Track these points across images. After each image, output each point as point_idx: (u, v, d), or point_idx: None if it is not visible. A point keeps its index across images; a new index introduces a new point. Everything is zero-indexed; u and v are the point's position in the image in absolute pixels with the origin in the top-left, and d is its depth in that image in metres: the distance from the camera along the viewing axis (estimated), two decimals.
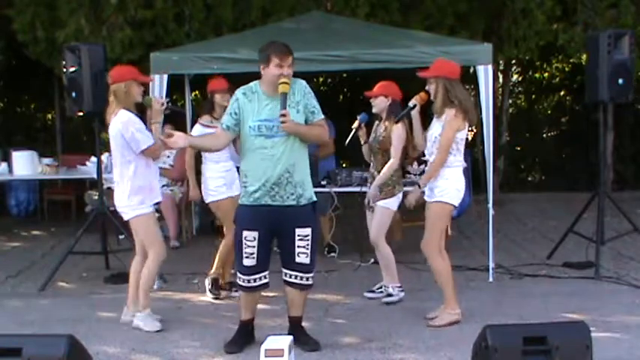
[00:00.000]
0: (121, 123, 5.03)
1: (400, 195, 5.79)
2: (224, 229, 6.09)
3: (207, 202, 6.08)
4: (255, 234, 4.55)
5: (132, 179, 5.07)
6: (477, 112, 5.21)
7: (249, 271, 4.63)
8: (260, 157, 4.51)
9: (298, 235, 4.57)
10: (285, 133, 4.49)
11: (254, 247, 4.57)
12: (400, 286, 5.85)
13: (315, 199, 4.70)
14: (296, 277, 4.66)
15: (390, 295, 5.83)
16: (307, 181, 4.64)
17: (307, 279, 4.69)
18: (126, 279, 5.51)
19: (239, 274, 4.70)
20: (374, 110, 5.84)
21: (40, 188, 10.42)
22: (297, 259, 4.61)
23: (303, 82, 4.67)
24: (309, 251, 4.62)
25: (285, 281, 4.72)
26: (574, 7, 10.00)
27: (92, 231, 6.92)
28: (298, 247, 4.59)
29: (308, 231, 4.60)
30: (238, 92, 4.66)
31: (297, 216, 4.57)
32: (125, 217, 5.20)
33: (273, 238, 4.67)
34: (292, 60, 4.55)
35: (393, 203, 5.79)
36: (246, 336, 4.82)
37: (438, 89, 5.06)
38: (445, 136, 5.03)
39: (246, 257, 4.59)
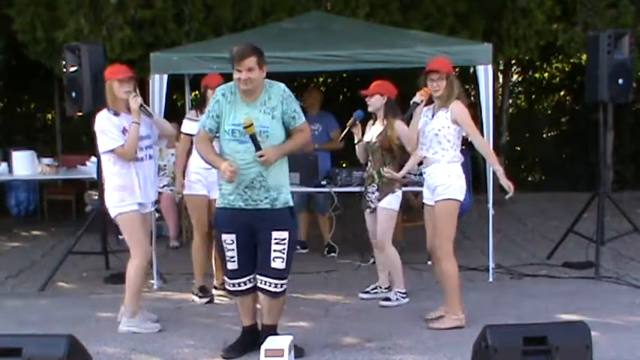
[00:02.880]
0: (96, 122, 5.14)
1: (400, 193, 5.78)
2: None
3: (184, 194, 6.11)
4: (233, 237, 4.50)
5: (111, 177, 5.11)
6: (471, 109, 5.23)
7: (233, 275, 4.58)
8: (232, 161, 4.41)
9: (275, 239, 4.44)
10: None
11: (233, 249, 4.51)
12: (404, 293, 5.81)
13: (291, 204, 4.58)
14: (268, 283, 4.49)
15: (387, 299, 5.80)
16: (283, 185, 4.53)
17: (280, 286, 4.51)
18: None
19: (225, 279, 4.68)
20: (369, 109, 5.82)
21: (40, 188, 10.42)
22: (273, 264, 4.45)
23: (282, 85, 4.51)
24: (284, 256, 4.47)
25: (257, 287, 4.57)
26: (574, 7, 9.99)
27: (92, 231, 6.92)
28: (274, 251, 4.44)
29: (285, 234, 4.46)
30: (218, 93, 4.52)
31: (273, 219, 4.45)
32: (112, 214, 5.18)
33: (253, 241, 4.53)
34: (256, 61, 4.35)
35: (393, 202, 5.76)
36: (247, 342, 4.69)
37: (448, 85, 5.06)
38: (469, 125, 5.05)
39: (228, 261, 4.55)
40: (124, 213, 5.09)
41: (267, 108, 4.43)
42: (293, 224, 4.59)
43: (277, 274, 4.48)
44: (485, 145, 5.28)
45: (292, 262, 4.57)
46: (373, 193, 5.80)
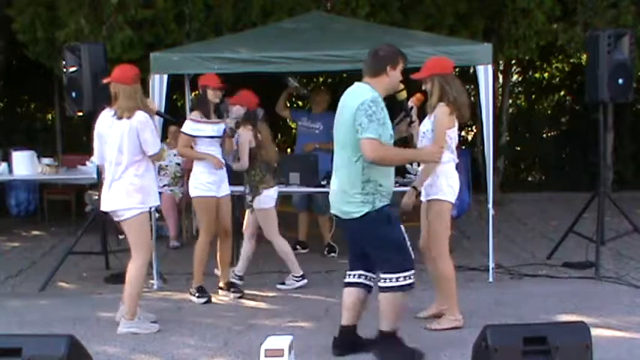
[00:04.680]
0: (140, 123, 4.98)
1: (266, 192, 6.12)
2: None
3: (192, 195, 6.02)
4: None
5: (136, 179, 5.04)
6: (471, 108, 5.18)
7: (412, 265, 4.45)
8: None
9: None
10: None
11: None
12: (299, 277, 6.27)
13: None
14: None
15: (282, 283, 6.28)
16: None
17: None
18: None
19: (406, 274, 4.38)
20: (232, 117, 6.13)
21: (40, 188, 10.41)
22: None
23: None
24: None
25: (388, 288, 4.44)
26: (574, 7, 10.01)
27: (92, 231, 6.92)
28: None
29: None
30: (379, 98, 4.39)
31: None
32: (125, 216, 5.06)
33: None
34: None
35: (262, 201, 6.11)
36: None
37: (434, 87, 5.04)
38: (438, 135, 4.99)
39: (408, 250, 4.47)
40: (143, 213, 5.08)
41: None
42: None
43: None
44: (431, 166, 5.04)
45: None
46: (248, 194, 6.21)
